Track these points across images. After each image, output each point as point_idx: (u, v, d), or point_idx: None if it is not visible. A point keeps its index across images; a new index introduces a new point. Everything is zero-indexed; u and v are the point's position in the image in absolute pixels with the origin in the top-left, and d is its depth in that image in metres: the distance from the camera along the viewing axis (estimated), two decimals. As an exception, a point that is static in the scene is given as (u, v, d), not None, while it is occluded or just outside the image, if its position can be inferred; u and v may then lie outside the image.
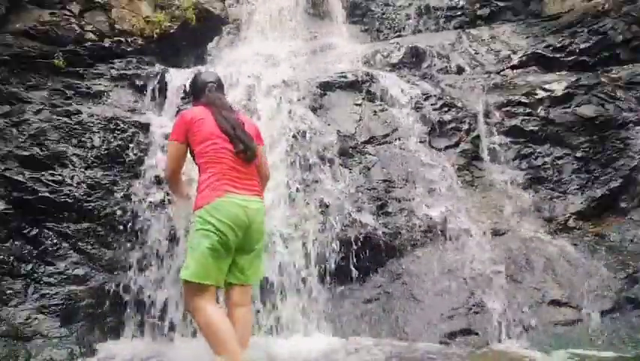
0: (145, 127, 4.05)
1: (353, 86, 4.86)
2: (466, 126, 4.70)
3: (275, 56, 6.45)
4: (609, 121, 4.64)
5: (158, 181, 3.79)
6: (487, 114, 4.75)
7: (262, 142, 3.23)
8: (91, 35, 4.67)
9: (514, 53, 5.86)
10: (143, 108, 4.31)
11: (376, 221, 3.94)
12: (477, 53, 6.08)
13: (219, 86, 3.28)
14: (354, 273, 3.75)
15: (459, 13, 7.20)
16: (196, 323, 2.75)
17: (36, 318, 3.26)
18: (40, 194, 3.56)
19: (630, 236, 4.09)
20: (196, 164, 3.03)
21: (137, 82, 4.42)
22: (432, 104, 4.79)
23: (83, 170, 3.74)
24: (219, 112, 3.03)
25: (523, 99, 4.84)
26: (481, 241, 3.92)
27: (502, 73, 5.57)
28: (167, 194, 3.69)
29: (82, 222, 3.60)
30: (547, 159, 4.56)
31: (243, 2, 7.63)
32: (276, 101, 4.45)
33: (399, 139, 4.47)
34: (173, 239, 3.59)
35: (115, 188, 3.74)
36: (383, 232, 3.90)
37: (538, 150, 4.61)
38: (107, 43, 4.72)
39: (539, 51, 5.65)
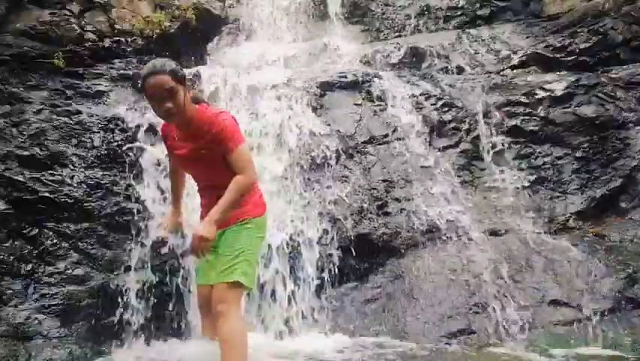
0: (144, 127, 4.05)
1: (353, 86, 4.86)
2: (466, 126, 4.70)
3: (275, 55, 6.45)
4: (609, 121, 4.64)
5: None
6: (487, 114, 4.75)
7: None
8: (91, 35, 4.67)
9: (514, 53, 5.86)
10: (143, 108, 4.30)
11: (376, 221, 3.94)
12: (477, 53, 6.09)
13: None
14: (354, 273, 3.75)
15: (459, 13, 7.20)
16: (230, 328, 2.61)
17: (36, 318, 3.25)
18: (40, 194, 3.56)
19: (630, 236, 4.09)
20: (229, 180, 2.72)
21: (137, 82, 4.42)
22: (432, 104, 4.79)
23: (83, 170, 3.74)
24: None
25: (523, 99, 4.84)
26: (481, 241, 3.92)
27: (502, 73, 5.56)
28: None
29: (82, 222, 3.60)
30: (547, 159, 4.56)
31: (243, 2, 7.63)
32: (276, 102, 4.45)
33: (399, 139, 4.47)
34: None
35: (115, 188, 3.74)
36: (383, 232, 3.90)
37: (538, 150, 4.60)
38: (107, 43, 4.72)
39: (539, 51, 5.65)
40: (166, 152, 3.16)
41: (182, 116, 2.66)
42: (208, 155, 2.74)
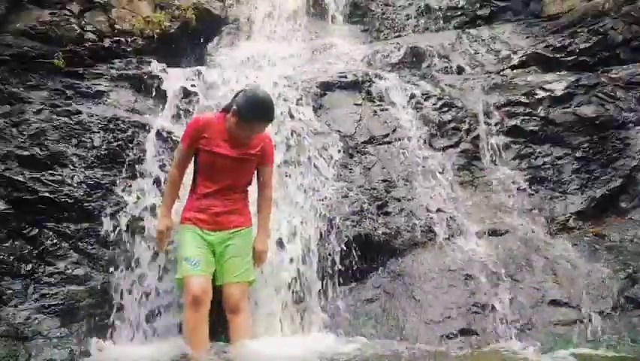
0: (145, 127, 4.05)
1: (353, 86, 4.86)
2: (466, 126, 4.70)
3: (275, 55, 6.46)
4: (609, 121, 4.64)
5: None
6: (487, 114, 4.75)
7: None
8: (91, 35, 4.68)
9: (514, 53, 5.86)
10: (143, 108, 4.31)
11: (376, 221, 3.94)
12: (477, 53, 6.09)
13: None
14: (354, 273, 3.75)
15: (459, 13, 7.20)
16: (250, 321, 3.25)
17: (36, 318, 3.25)
18: (40, 194, 3.56)
19: (630, 236, 4.08)
20: (247, 185, 3.36)
21: (137, 82, 4.42)
22: (432, 104, 4.79)
23: (83, 170, 3.74)
24: None
25: (523, 99, 4.84)
26: (481, 241, 3.92)
27: (502, 73, 5.57)
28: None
29: (82, 222, 3.60)
30: (547, 159, 4.56)
31: (243, 2, 7.63)
32: (276, 101, 4.44)
33: (399, 139, 4.47)
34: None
35: (115, 188, 3.74)
36: (383, 232, 3.90)
37: (538, 150, 4.60)
38: (107, 43, 4.72)
39: (539, 51, 5.65)
40: (187, 144, 3.26)
41: None
42: (251, 161, 3.27)
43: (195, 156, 3.28)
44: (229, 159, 3.18)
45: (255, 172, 3.37)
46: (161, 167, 3.85)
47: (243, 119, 3.10)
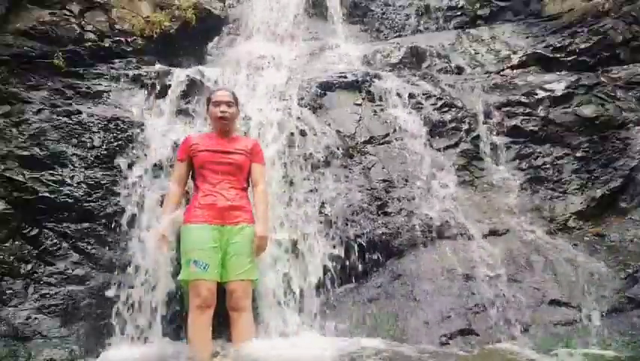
0: (144, 127, 4.05)
1: (353, 86, 4.86)
2: (466, 126, 4.70)
3: (275, 55, 6.45)
4: (609, 121, 4.64)
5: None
6: (487, 114, 4.75)
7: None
8: (91, 35, 4.67)
9: (514, 53, 5.86)
10: (143, 108, 4.30)
11: (376, 221, 3.94)
12: (477, 53, 6.09)
13: None
14: (354, 273, 3.75)
15: (459, 13, 7.21)
16: (252, 320, 3.25)
17: (36, 318, 3.26)
18: (40, 194, 3.57)
19: (630, 236, 4.08)
20: (244, 182, 3.47)
21: (137, 82, 4.42)
22: (432, 104, 4.79)
23: (83, 170, 3.74)
24: None
25: (523, 99, 4.84)
26: (481, 241, 3.92)
27: (502, 73, 5.57)
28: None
29: (82, 222, 3.60)
30: (547, 159, 4.56)
31: (243, 2, 7.63)
32: (276, 101, 4.45)
33: (399, 139, 4.47)
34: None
35: (115, 188, 3.74)
36: (383, 232, 3.90)
37: (538, 150, 4.60)
38: (107, 43, 4.72)
39: (539, 51, 5.65)
40: (181, 158, 3.46)
41: (230, 125, 3.49)
42: (242, 155, 3.43)
43: (192, 170, 3.45)
44: (220, 153, 3.39)
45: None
46: (161, 166, 3.86)
47: (210, 99, 3.55)
